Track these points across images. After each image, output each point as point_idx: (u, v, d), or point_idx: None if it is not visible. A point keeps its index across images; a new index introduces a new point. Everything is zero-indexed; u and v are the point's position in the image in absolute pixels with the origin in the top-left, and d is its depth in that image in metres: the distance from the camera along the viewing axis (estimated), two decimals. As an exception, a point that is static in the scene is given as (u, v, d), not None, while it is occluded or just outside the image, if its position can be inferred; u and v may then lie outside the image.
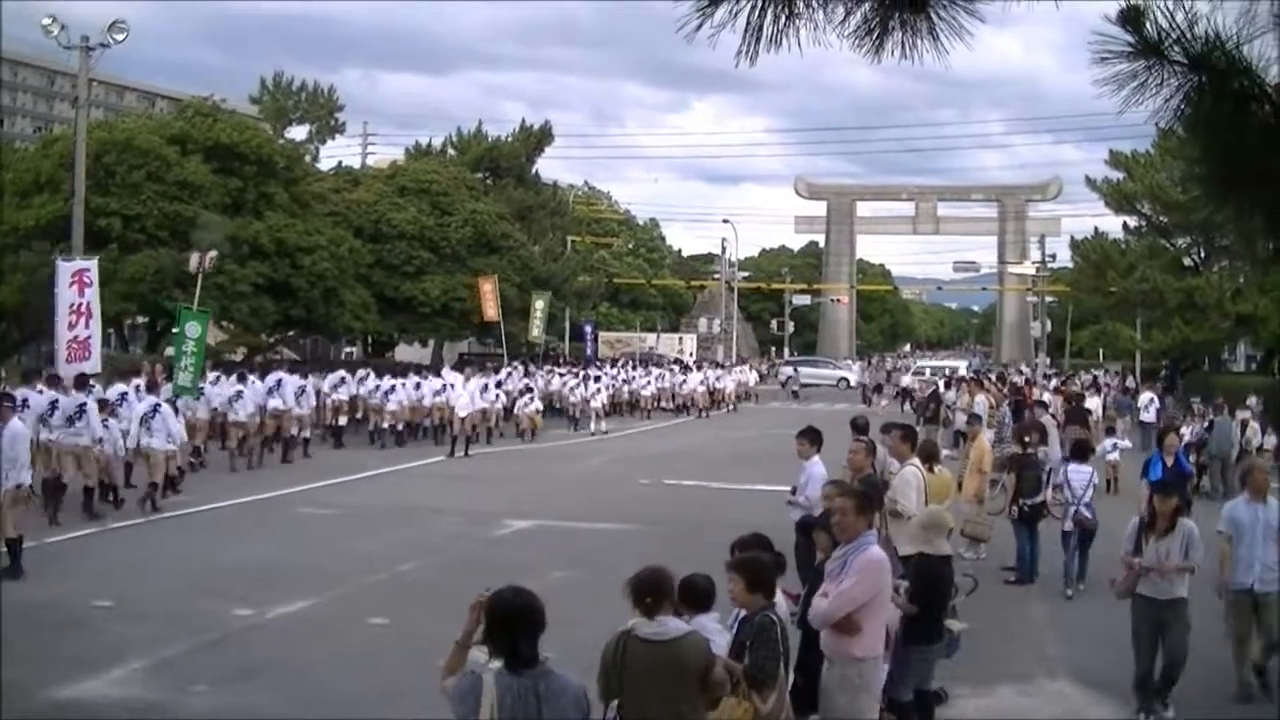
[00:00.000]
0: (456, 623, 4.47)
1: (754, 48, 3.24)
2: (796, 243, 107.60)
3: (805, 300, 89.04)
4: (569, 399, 35.25)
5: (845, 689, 6.28)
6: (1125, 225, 48.94)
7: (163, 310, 32.01)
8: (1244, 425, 23.57)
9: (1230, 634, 9.29)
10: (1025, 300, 78.75)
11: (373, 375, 28.62)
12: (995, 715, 8.75)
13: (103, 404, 17.03)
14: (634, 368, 44.65)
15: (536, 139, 51.38)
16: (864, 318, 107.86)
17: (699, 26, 3.17)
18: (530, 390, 32.87)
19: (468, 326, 44.01)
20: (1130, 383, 45.45)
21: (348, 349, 50.21)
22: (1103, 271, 46.93)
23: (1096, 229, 52.45)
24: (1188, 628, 8.63)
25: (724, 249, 72.94)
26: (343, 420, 27.23)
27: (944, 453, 15.50)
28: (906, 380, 50.54)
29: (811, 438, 11.40)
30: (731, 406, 45.46)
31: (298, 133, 55.74)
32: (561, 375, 38.03)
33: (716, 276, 76.37)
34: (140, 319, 37.24)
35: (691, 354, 64.34)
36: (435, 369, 32.48)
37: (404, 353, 47.98)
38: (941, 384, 35.38)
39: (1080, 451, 14.40)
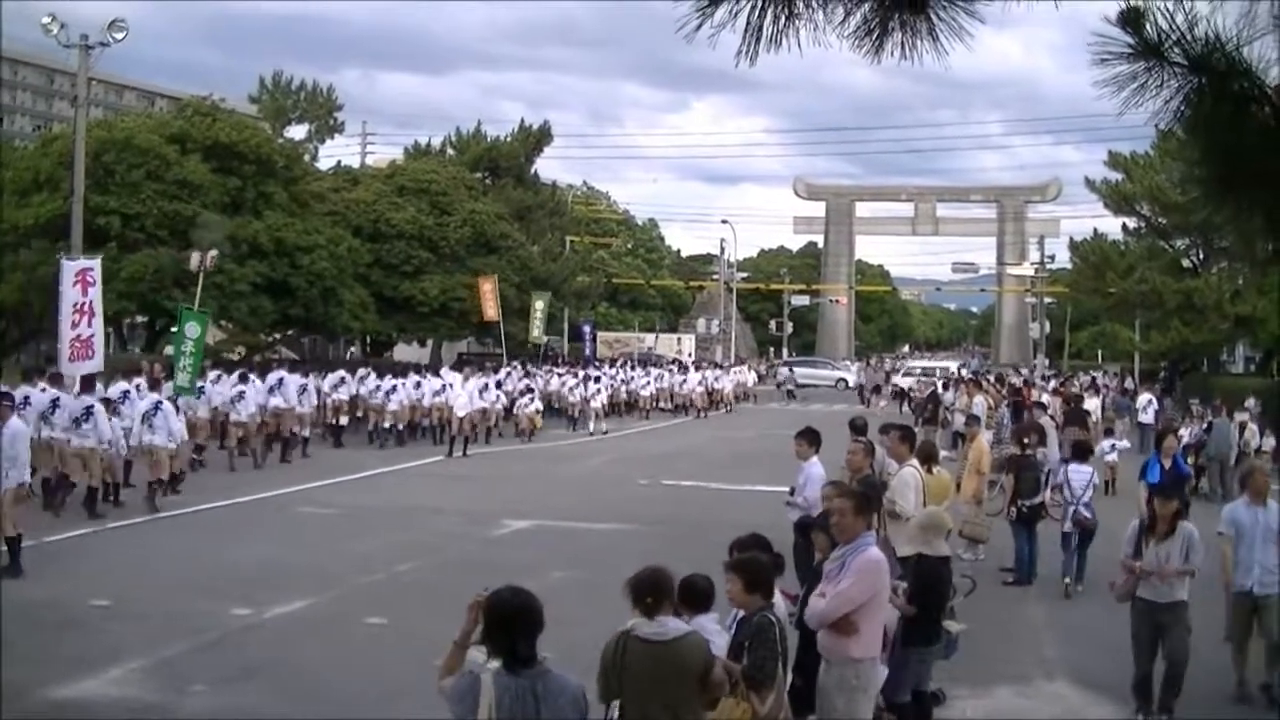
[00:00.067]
0: (455, 623, 4.46)
1: (754, 48, 3.23)
2: (795, 243, 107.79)
3: (804, 301, 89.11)
4: (568, 399, 35.26)
5: (843, 690, 6.28)
6: (1124, 226, 48.97)
7: (162, 309, 32.03)
8: (1242, 427, 23.58)
9: (1230, 636, 9.30)
10: (1024, 301, 78.82)
11: (373, 375, 28.65)
12: (993, 716, 8.75)
13: (105, 402, 17.08)
14: (633, 368, 44.66)
15: (535, 139, 51.42)
16: (863, 318, 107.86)
17: (698, 26, 3.17)
18: (531, 391, 32.90)
19: (466, 326, 44.02)
20: (1129, 384, 45.47)
21: (351, 350, 50.21)
22: (1102, 273, 46.94)
23: (1095, 230, 52.53)
24: (1188, 631, 8.62)
25: (723, 249, 73.02)
26: (344, 420, 27.28)
27: (942, 454, 15.50)
28: (897, 380, 50.60)
29: (810, 438, 11.39)
30: (728, 407, 45.44)
31: (297, 132, 55.85)
32: (560, 375, 38.04)
33: (715, 277, 76.38)
34: (139, 318, 37.26)
35: (690, 354, 64.33)
36: (434, 369, 32.49)
37: (402, 352, 47.99)
38: (939, 385, 35.41)
39: (1080, 451, 14.42)
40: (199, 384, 21.75)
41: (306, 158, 47.62)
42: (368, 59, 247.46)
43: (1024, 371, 56.18)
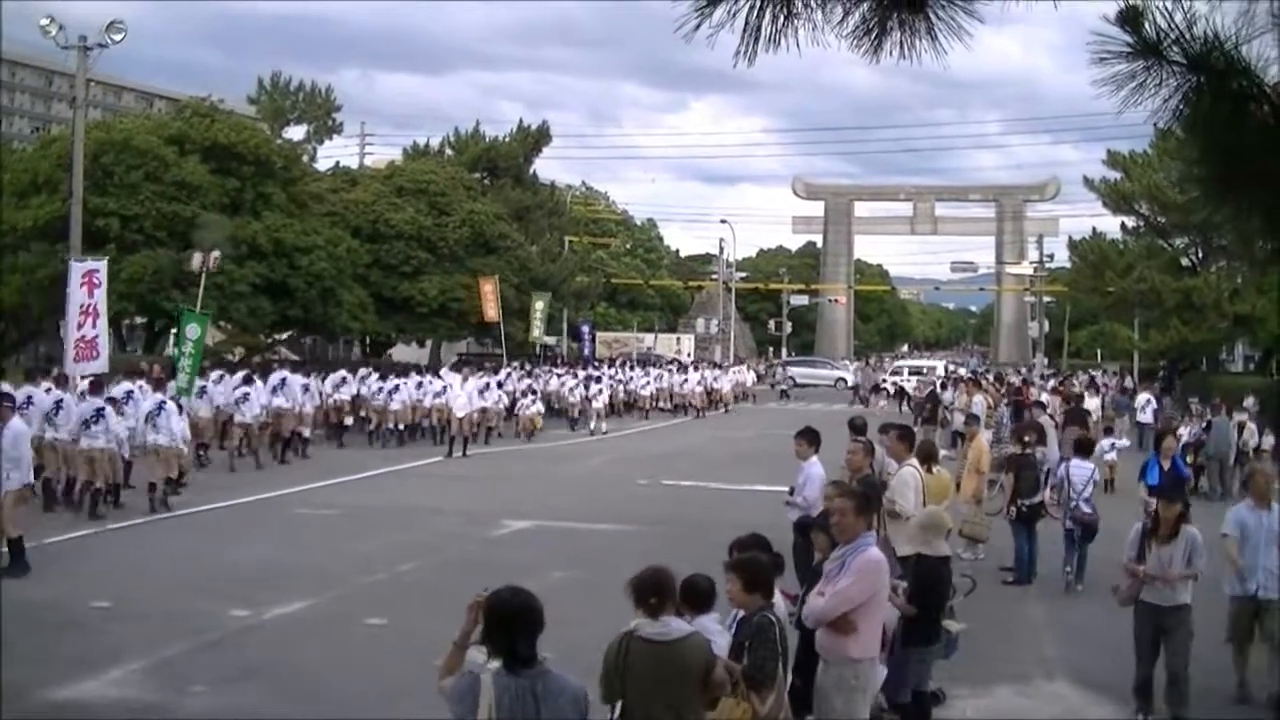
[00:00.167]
0: (455, 623, 4.46)
1: (752, 48, 3.23)
2: (794, 243, 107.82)
3: (803, 300, 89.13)
4: (568, 399, 35.27)
5: (841, 690, 6.27)
6: (1123, 225, 49.00)
7: (161, 310, 32.04)
8: (1241, 427, 23.56)
9: (1231, 638, 9.29)
10: (1023, 300, 78.87)
11: (375, 375, 28.68)
12: (993, 716, 8.75)
13: (110, 401, 17.15)
14: (632, 368, 44.67)
15: (534, 139, 51.42)
16: (862, 318, 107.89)
17: (697, 26, 3.17)
18: (534, 391, 32.92)
19: (465, 327, 44.03)
20: (1128, 383, 45.48)
21: (356, 351, 50.20)
22: (1100, 272, 46.96)
23: (1094, 229, 52.61)
24: (1190, 635, 8.56)
25: (721, 249, 73.03)
26: (348, 420, 27.31)
27: (942, 453, 15.49)
28: (882, 380, 50.63)
29: (809, 438, 11.39)
30: (726, 407, 45.43)
31: (295, 133, 55.82)
32: (560, 376, 38.05)
33: (714, 277, 76.37)
34: (138, 319, 37.25)
35: (689, 354, 64.36)
36: (434, 370, 32.50)
37: (401, 353, 47.97)
38: (938, 384, 35.42)
39: (1082, 447, 14.43)
40: (200, 384, 21.80)
41: (305, 158, 47.63)
42: (366, 59, 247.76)
43: (1023, 370, 56.23)
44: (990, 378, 39.24)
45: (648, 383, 41.40)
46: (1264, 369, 45.67)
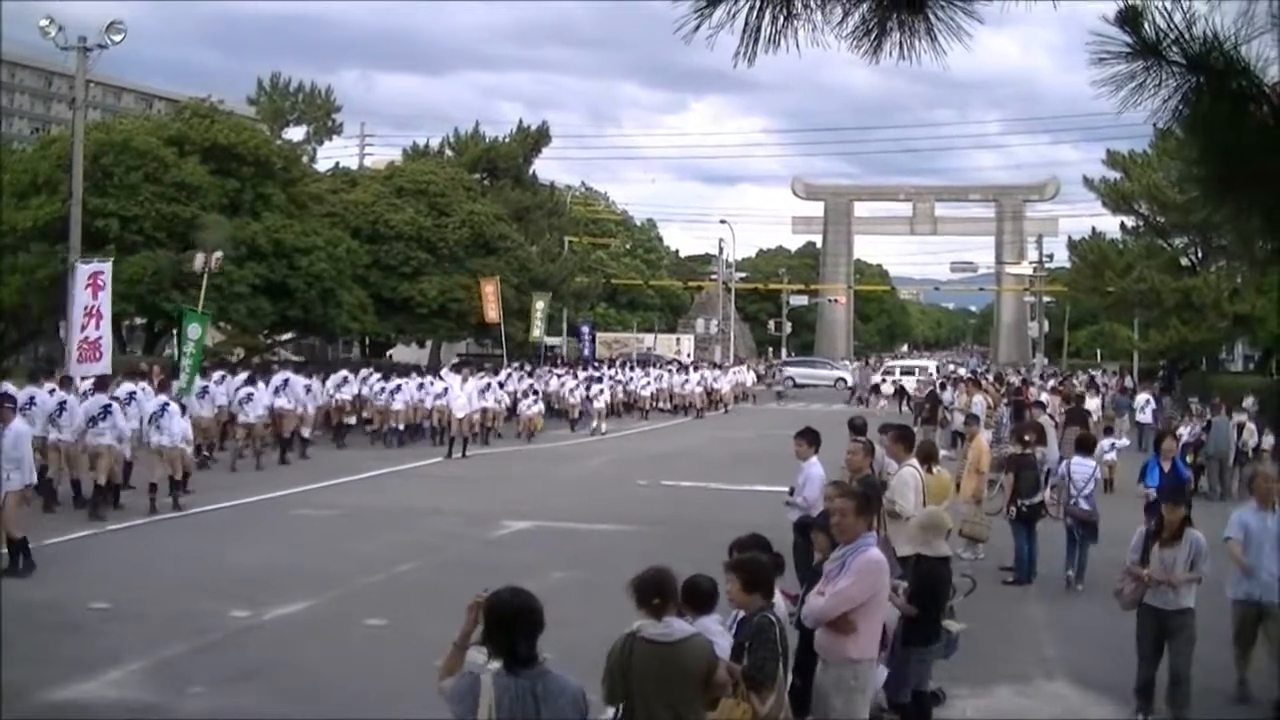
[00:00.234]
0: (455, 623, 4.47)
1: (752, 48, 3.23)
2: (794, 243, 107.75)
3: (803, 301, 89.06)
4: (568, 400, 35.27)
5: (840, 690, 6.27)
6: (1123, 225, 48.97)
7: (160, 311, 32.00)
8: (1240, 427, 23.55)
9: (1233, 639, 9.29)
10: (1023, 300, 78.86)
11: (376, 375, 28.69)
12: (993, 716, 8.75)
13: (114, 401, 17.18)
14: (632, 368, 44.66)
15: (534, 139, 51.37)
16: (861, 318, 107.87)
17: (697, 27, 3.17)
18: (535, 392, 32.94)
19: (465, 327, 43.99)
20: (1128, 383, 45.47)
21: (356, 352, 50.20)
22: (1100, 272, 46.94)
23: (1094, 229, 52.53)
24: (1193, 639, 8.55)
25: (721, 249, 72.97)
26: (350, 420, 27.31)
27: (942, 453, 15.50)
28: (876, 379, 50.60)
29: (809, 438, 11.39)
30: (725, 408, 45.42)
31: (295, 133, 55.72)
32: (560, 376, 38.05)
33: (714, 277, 76.32)
34: (138, 320, 37.22)
35: (689, 355, 64.34)
36: (434, 370, 32.48)
37: (401, 354, 47.94)
38: (937, 384, 35.42)
39: (1085, 445, 14.43)
40: (202, 384, 21.80)
41: (305, 159, 47.57)
42: (366, 60, 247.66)
43: (1023, 370, 56.22)
44: (990, 378, 39.25)
45: (648, 383, 41.40)
46: (1264, 369, 45.66)
